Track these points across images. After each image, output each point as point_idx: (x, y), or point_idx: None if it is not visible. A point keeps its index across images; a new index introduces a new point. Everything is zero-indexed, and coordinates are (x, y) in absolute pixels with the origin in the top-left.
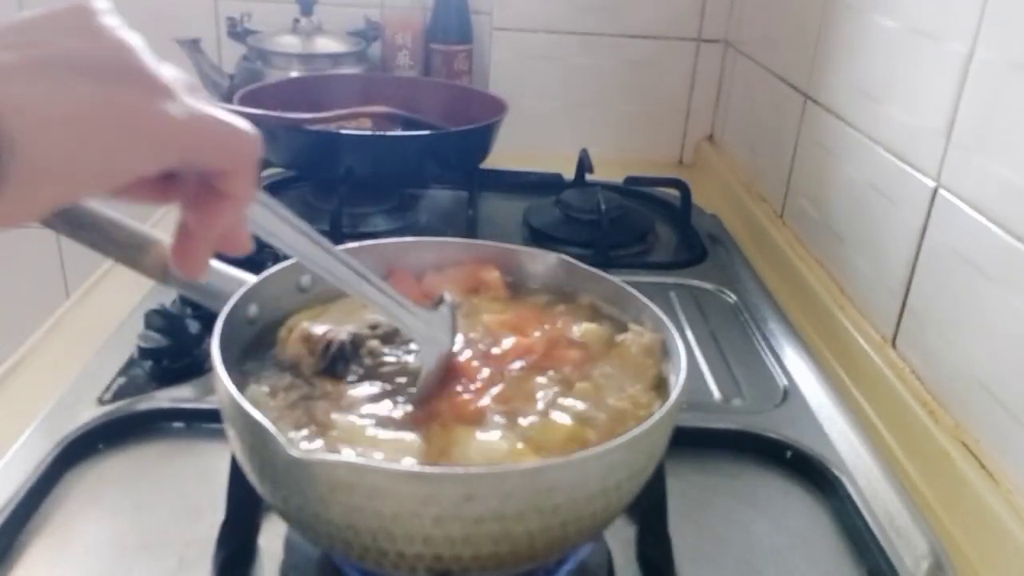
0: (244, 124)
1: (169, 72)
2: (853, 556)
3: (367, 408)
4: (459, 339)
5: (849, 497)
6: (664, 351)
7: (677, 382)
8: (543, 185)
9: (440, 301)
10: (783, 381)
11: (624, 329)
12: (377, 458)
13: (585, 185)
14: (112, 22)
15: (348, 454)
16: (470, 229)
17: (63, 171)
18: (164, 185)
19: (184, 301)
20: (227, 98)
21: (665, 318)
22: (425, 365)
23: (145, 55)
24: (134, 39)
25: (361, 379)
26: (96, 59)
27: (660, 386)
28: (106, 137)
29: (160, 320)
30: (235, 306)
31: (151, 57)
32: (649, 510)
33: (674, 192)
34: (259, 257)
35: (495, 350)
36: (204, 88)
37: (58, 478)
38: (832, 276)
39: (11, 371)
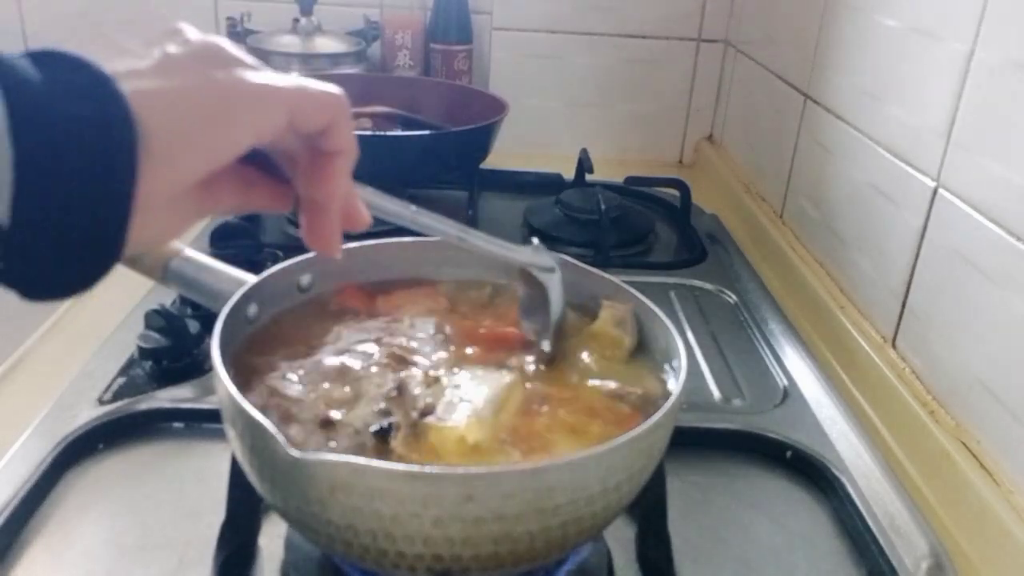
0: (325, 84)
1: (253, 58)
2: (853, 556)
3: None
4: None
5: (849, 497)
6: (634, 321)
7: (677, 382)
8: (543, 185)
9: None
10: (783, 381)
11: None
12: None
13: (585, 185)
14: (197, 34)
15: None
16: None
17: (189, 142)
18: (277, 184)
19: (184, 301)
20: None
21: (665, 318)
22: (553, 293)
23: (232, 48)
24: (220, 39)
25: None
26: (197, 54)
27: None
28: (220, 110)
29: (160, 320)
30: (235, 306)
31: (236, 48)
32: (649, 510)
33: (674, 192)
34: (259, 257)
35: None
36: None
37: (58, 478)
38: (832, 276)
39: (11, 371)
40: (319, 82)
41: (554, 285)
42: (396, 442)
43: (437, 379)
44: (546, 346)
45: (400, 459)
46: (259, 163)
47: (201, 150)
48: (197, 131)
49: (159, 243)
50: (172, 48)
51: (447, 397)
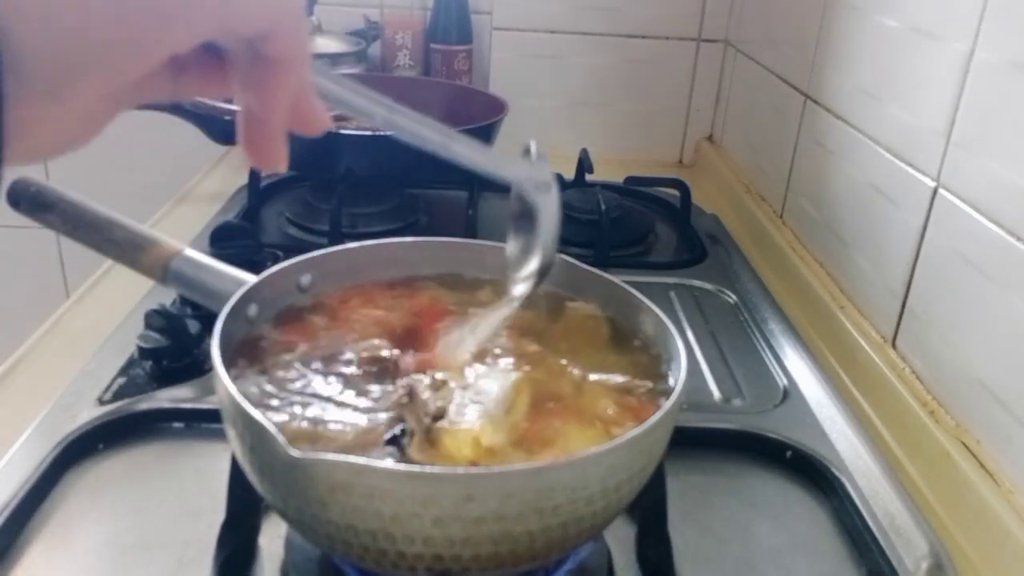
0: None
1: None
2: (853, 556)
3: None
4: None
5: (849, 497)
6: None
7: (677, 382)
8: None
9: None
10: (783, 381)
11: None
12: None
13: (585, 185)
14: None
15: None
16: (470, 229)
17: (78, 68)
18: (215, 72)
19: (184, 301)
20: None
21: (666, 318)
22: (544, 212)
23: None
24: None
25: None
26: None
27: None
28: (126, 15)
29: (160, 320)
30: (235, 306)
31: None
32: (649, 510)
33: (674, 192)
34: (259, 257)
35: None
36: None
37: (58, 478)
38: (832, 276)
39: (11, 371)
40: None
41: (547, 207)
42: (411, 449)
43: (444, 382)
44: (518, 289)
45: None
46: None
47: (95, 77)
48: (90, 53)
49: (72, 147)
50: None
51: (457, 399)
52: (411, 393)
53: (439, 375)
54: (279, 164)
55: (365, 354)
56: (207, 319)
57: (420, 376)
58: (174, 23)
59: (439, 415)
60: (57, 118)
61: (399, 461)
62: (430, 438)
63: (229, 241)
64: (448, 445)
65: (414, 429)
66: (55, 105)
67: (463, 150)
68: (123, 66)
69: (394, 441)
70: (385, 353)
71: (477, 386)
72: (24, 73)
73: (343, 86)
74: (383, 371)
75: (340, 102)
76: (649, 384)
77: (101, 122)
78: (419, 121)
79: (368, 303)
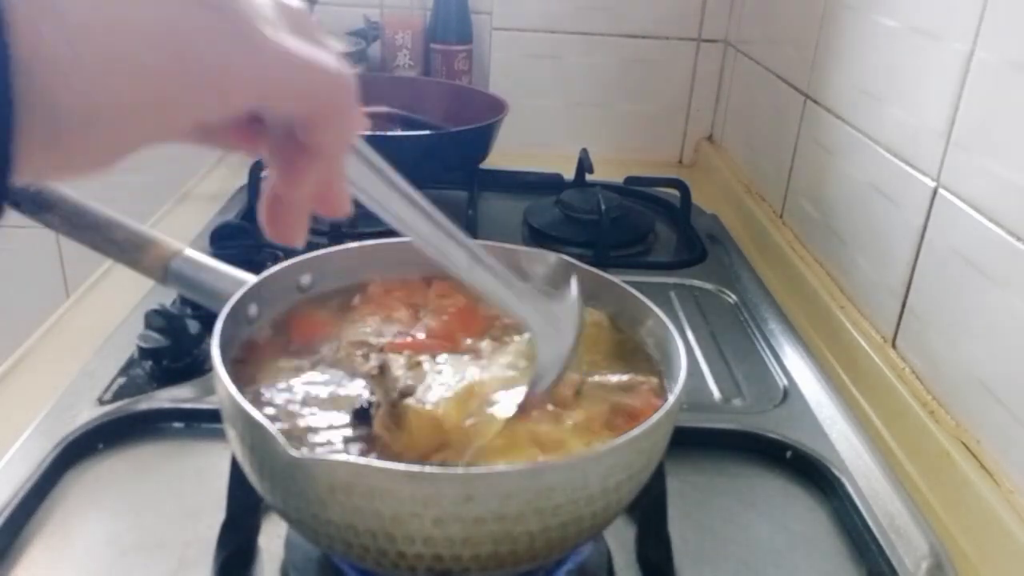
0: (334, 63)
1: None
2: (853, 556)
3: None
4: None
5: (849, 497)
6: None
7: (677, 382)
8: (543, 185)
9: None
10: (783, 381)
11: None
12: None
13: (585, 185)
14: None
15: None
16: (470, 229)
17: (112, 115)
18: (249, 131)
19: (184, 301)
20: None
21: (666, 319)
22: (541, 364)
23: None
24: None
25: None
26: None
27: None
28: (163, 75)
29: (160, 320)
30: (235, 306)
31: None
32: (649, 510)
33: (674, 192)
34: (259, 257)
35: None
36: (308, 15)
37: (58, 478)
38: (832, 276)
39: (11, 371)
40: (321, 59)
41: (548, 358)
42: (375, 422)
43: (419, 363)
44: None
45: (376, 438)
46: None
47: (124, 128)
48: (111, 117)
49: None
50: None
51: (427, 381)
52: (383, 367)
53: (416, 357)
54: (295, 243)
55: (353, 338)
56: (207, 319)
57: (396, 355)
58: (206, 92)
59: (408, 392)
60: (57, 159)
61: (363, 436)
62: (395, 413)
63: (229, 241)
64: (412, 422)
65: (381, 402)
66: (54, 153)
67: (483, 277)
68: (141, 131)
69: (361, 414)
70: (373, 340)
71: (449, 372)
72: (36, 122)
73: (376, 177)
74: (366, 357)
75: (368, 197)
76: (649, 384)
77: (104, 163)
78: (446, 231)
79: (411, 295)
